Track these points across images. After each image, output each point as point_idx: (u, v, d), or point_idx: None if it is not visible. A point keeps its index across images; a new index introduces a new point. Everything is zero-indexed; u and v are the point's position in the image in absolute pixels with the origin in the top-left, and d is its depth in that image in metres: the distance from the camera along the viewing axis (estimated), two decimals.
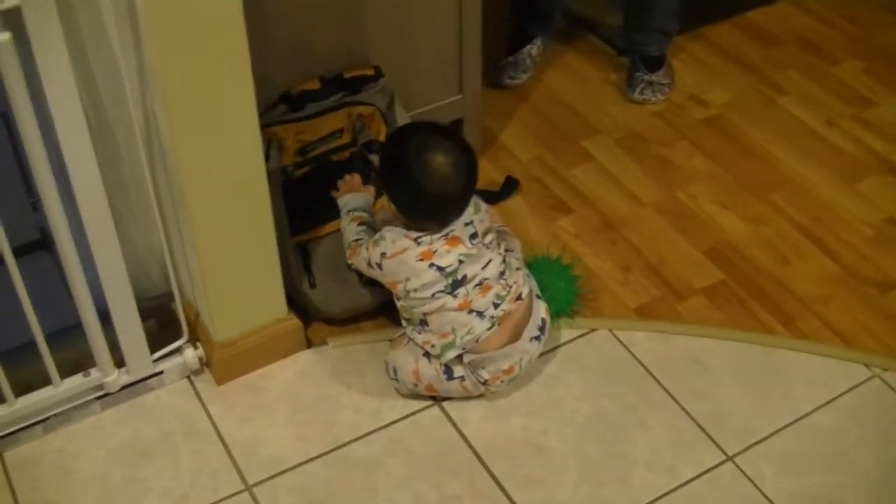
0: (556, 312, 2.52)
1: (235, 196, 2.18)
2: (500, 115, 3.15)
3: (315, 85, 2.49)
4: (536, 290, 2.41)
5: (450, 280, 2.25)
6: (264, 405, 2.39)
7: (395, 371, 2.38)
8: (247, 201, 2.20)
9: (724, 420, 2.36)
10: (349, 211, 2.45)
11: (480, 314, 2.27)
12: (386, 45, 2.60)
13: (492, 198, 2.80)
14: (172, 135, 2.02)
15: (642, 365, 2.47)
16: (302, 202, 2.49)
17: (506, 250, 2.38)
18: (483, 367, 2.30)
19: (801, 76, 3.32)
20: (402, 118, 2.59)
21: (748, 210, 2.87)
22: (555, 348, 2.50)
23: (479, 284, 2.27)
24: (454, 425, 2.35)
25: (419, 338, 2.33)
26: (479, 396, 2.38)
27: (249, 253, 2.28)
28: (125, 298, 2.23)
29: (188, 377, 2.43)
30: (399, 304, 2.35)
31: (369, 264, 2.32)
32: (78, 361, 2.34)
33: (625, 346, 2.51)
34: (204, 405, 2.39)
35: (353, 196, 2.48)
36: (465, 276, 2.26)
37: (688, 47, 3.43)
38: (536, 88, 3.26)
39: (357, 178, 2.51)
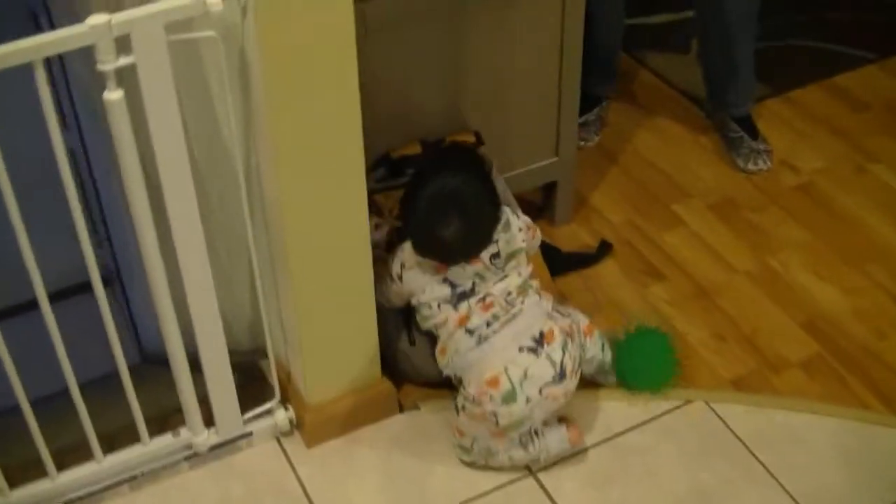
0: (658, 385, 2.50)
1: (338, 257, 2.16)
2: (591, 176, 3.11)
3: (416, 149, 2.46)
4: (563, 326, 2.27)
5: (458, 291, 2.21)
6: (355, 470, 2.35)
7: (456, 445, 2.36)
8: (349, 263, 2.19)
9: (821, 498, 2.30)
10: None
11: (471, 332, 2.21)
12: (485, 108, 2.58)
13: (586, 261, 2.81)
14: (281, 192, 2.01)
15: (739, 439, 2.41)
16: None
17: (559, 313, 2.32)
18: (469, 382, 2.22)
19: (893, 142, 3.25)
20: (500, 187, 2.54)
21: (843, 280, 2.81)
22: (651, 419, 2.45)
23: (483, 299, 2.22)
24: (548, 495, 2.30)
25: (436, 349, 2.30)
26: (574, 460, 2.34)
27: (348, 316, 2.26)
28: (219, 357, 2.19)
29: (277, 438, 2.40)
30: (416, 316, 2.31)
31: (391, 277, 2.27)
32: (152, 414, 2.28)
33: (721, 419, 2.45)
34: (293, 468, 2.35)
35: None
36: (472, 290, 2.21)
37: (777, 111, 3.37)
38: (626, 150, 3.22)
39: None
